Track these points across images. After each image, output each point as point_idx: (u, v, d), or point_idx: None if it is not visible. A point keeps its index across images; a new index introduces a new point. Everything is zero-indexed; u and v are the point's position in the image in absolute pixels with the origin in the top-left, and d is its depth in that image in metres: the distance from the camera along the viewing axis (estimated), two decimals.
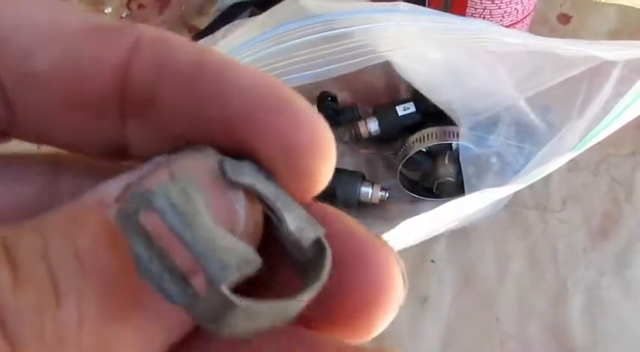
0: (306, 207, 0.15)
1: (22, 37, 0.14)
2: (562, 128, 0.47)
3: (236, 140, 0.15)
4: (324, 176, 0.15)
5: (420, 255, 0.61)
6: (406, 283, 0.15)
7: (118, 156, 0.16)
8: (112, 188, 0.14)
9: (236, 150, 0.15)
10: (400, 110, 0.62)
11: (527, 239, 0.61)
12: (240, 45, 0.38)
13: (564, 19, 0.71)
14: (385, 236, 0.42)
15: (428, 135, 0.58)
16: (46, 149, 0.17)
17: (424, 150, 0.59)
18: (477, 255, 0.61)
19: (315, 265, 0.15)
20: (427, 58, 0.42)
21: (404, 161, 0.59)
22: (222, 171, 0.14)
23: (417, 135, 0.59)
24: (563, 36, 0.70)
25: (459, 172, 0.58)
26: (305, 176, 0.15)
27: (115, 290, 0.13)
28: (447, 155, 0.60)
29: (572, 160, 0.43)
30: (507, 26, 0.56)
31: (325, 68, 0.40)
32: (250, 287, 0.13)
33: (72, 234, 0.13)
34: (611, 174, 0.63)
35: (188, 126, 0.15)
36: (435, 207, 0.61)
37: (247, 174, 0.14)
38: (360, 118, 0.64)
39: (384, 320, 0.15)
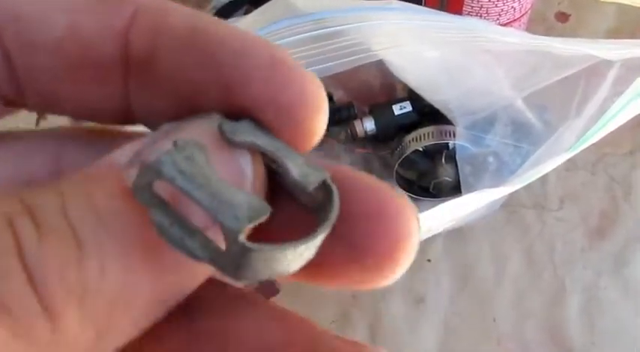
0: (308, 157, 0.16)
1: (29, 6, 0.15)
2: (559, 127, 0.47)
3: (233, 101, 0.15)
4: (317, 128, 0.15)
5: (416, 254, 0.60)
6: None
7: (123, 121, 0.17)
8: (123, 155, 0.14)
9: (236, 111, 0.15)
10: (396, 109, 0.61)
11: (524, 238, 0.61)
12: None
13: (562, 17, 0.71)
14: None
15: (424, 134, 0.58)
16: (46, 127, 0.17)
17: (420, 149, 0.59)
18: (474, 255, 0.60)
19: (325, 207, 0.15)
20: (422, 57, 0.42)
21: (400, 160, 0.59)
22: (221, 132, 0.15)
23: (413, 134, 0.58)
24: (561, 34, 0.70)
25: (456, 172, 0.58)
26: (299, 129, 0.15)
27: (133, 243, 0.13)
28: (444, 154, 0.59)
29: (569, 159, 0.42)
30: (504, 24, 0.56)
31: (317, 67, 0.40)
32: (264, 237, 0.14)
33: (89, 191, 0.13)
34: (609, 173, 0.63)
35: (187, 88, 0.16)
36: (431, 207, 0.61)
37: (246, 132, 0.15)
38: (356, 117, 0.63)
39: (402, 267, 0.16)
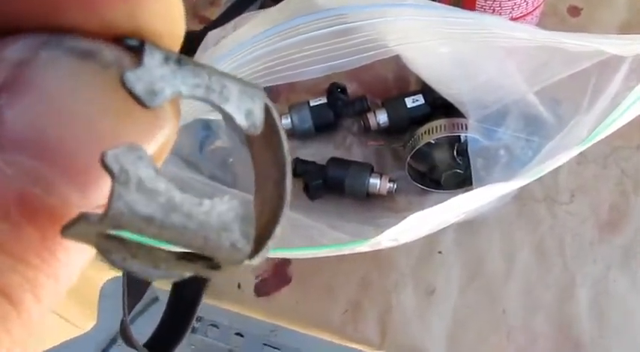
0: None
1: None
2: (571, 121, 0.47)
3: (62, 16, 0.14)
4: (172, 15, 0.14)
5: (427, 246, 0.61)
6: None
7: None
8: None
9: (55, 27, 0.14)
10: (409, 102, 0.62)
11: (535, 231, 0.61)
12: (250, 38, 0.39)
13: (574, 11, 0.71)
14: (392, 230, 0.42)
15: (436, 127, 0.58)
16: None
17: (432, 142, 0.59)
18: (484, 247, 0.61)
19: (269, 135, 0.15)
20: (436, 52, 0.42)
21: (412, 153, 0.59)
22: (129, 90, 0.13)
23: (425, 127, 0.59)
24: (572, 28, 0.70)
25: (468, 164, 0.58)
26: (161, 22, 0.14)
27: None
28: (456, 147, 0.60)
29: (580, 153, 0.43)
30: (517, 18, 0.56)
31: (336, 62, 0.40)
32: None
33: None
34: (620, 166, 0.63)
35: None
36: (442, 199, 0.61)
37: (158, 77, 0.13)
38: (369, 110, 0.64)
39: None
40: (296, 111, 0.64)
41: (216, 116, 0.52)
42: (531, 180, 0.42)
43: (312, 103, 0.64)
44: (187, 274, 0.14)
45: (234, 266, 0.14)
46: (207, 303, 0.62)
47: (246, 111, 0.14)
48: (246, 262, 0.13)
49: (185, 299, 0.62)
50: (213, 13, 0.75)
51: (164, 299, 0.62)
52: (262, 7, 0.75)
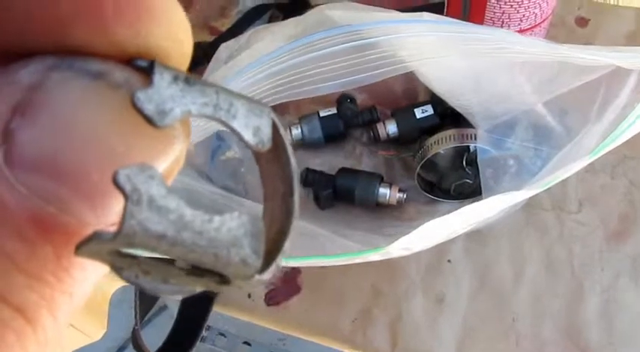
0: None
1: None
2: (579, 131, 0.48)
3: (72, 35, 0.14)
4: (179, 33, 0.15)
5: (436, 255, 0.61)
6: None
7: None
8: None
9: (68, 48, 0.14)
10: (418, 112, 0.63)
11: (543, 240, 0.61)
12: (265, 55, 0.39)
13: (582, 22, 0.71)
14: (403, 239, 0.42)
15: (446, 137, 0.59)
16: None
17: (442, 151, 0.60)
18: (493, 256, 0.61)
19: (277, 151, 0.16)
20: (448, 65, 0.43)
21: (422, 163, 0.60)
22: (139, 110, 0.13)
23: (434, 137, 0.59)
24: (580, 39, 0.71)
25: (477, 174, 0.58)
26: (169, 43, 0.14)
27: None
28: (465, 157, 0.60)
29: (589, 163, 0.43)
30: (525, 29, 0.57)
31: (351, 78, 0.41)
32: None
33: None
34: (628, 176, 0.63)
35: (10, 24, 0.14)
36: (452, 209, 0.62)
37: (168, 97, 0.14)
38: (378, 120, 0.65)
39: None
40: (306, 122, 0.65)
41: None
42: (541, 190, 0.42)
43: (322, 114, 0.65)
44: (198, 289, 0.14)
45: (244, 282, 0.14)
46: (217, 312, 0.62)
47: (253, 128, 0.15)
48: (256, 277, 0.14)
49: (195, 309, 0.62)
50: (224, 24, 0.76)
51: (172, 307, 0.62)
52: (271, 17, 0.76)
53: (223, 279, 0.14)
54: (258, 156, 0.16)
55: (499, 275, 0.60)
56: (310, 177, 0.63)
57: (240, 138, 0.15)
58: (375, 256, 0.45)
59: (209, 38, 0.73)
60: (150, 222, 0.12)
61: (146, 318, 0.98)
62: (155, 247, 0.13)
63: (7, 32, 0.14)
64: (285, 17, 0.75)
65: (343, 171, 0.62)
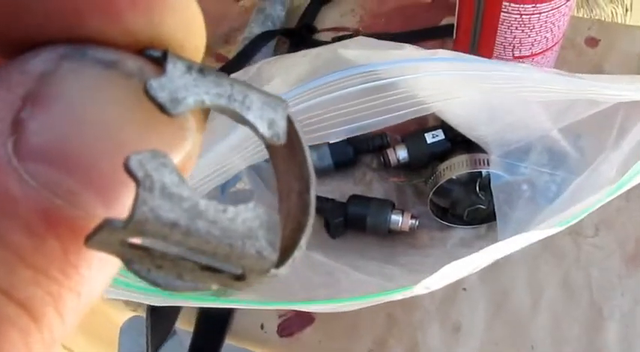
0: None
1: None
2: (596, 156, 0.47)
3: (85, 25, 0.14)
4: (190, 25, 0.14)
5: (452, 283, 0.60)
6: None
7: None
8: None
9: (80, 39, 0.14)
10: (429, 137, 0.62)
11: (560, 265, 0.60)
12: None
13: (592, 42, 0.71)
14: (425, 281, 0.41)
15: (458, 163, 0.58)
16: None
17: (454, 177, 0.59)
18: (509, 282, 0.60)
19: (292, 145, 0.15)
20: (465, 101, 0.42)
21: (434, 189, 0.59)
22: (152, 98, 0.13)
23: (447, 163, 0.58)
24: (591, 59, 0.70)
25: (490, 199, 0.58)
26: (182, 35, 0.14)
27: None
28: (478, 182, 0.59)
29: None
30: (537, 54, 0.56)
31: (369, 121, 0.40)
32: None
33: None
34: None
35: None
36: (465, 235, 0.61)
37: (180, 85, 0.13)
38: (389, 146, 0.64)
39: None
40: (315, 149, 0.64)
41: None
42: (570, 224, 0.41)
43: (331, 140, 0.64)
44: (213, 286, 0.14)
45: (260, 276, 0.13)
46: (229, 343, 0.61)
47: (268, 120, 0.14)
48: (273, 271, 0.13)
49: (207, 340, 0.61)
50: (230, 51, 0.75)
51: (181, 333, 0.61)
52: (278, 43, 0.75)
53: (238, 275, 0.13)
54: (273, 152, 0.16)
55: (516, 302, 0.59)
56: (320, 205, 0.62)
57: (255, 131, 0.14)
58: (395, 296, 0.44)
59: (216, 65, 0.72)
60: (162, 209, 0.12)
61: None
62: (168, 236, 0.12)
63: (19, 22, 0.13)
64: (292, 43, 0.74)
65: (354, 198, 0.62)
